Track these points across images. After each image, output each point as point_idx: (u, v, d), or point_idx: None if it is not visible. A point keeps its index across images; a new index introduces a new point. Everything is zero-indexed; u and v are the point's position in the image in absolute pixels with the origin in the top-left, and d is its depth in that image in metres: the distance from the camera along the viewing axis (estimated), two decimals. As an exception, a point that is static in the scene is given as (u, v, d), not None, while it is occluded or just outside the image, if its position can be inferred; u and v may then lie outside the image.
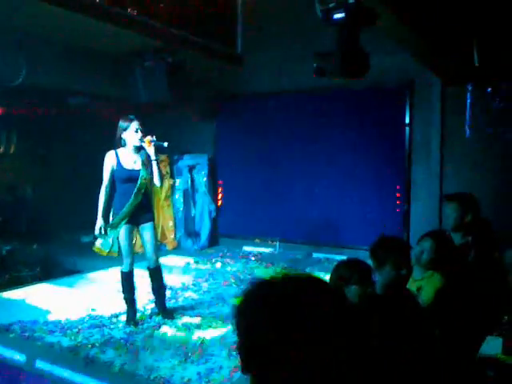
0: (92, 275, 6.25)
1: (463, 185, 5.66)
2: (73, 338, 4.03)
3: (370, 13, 2.79)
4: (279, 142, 7.55)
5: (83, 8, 4.93)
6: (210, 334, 4.13)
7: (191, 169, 8.06)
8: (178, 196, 8.06)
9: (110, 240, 4.28)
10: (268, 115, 7.68)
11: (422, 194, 6.52)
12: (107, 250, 4.33)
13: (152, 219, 4.50)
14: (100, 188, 4.38)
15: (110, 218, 4.33)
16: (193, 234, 8.07)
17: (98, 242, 4.34)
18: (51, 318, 4.53)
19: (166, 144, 4.36)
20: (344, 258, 6.72)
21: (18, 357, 3.75)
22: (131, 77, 6.85)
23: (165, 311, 4.55)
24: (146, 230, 4.41)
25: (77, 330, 4.21)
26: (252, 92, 7.67)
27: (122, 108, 7.89)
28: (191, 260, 6.99)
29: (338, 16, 2.76)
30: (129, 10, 5.63)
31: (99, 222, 4.27)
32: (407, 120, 6.57)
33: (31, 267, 7.14)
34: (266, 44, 6.97)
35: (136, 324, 4.31)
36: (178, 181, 8.01)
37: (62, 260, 7.53)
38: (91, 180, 8.52)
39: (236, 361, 3.58)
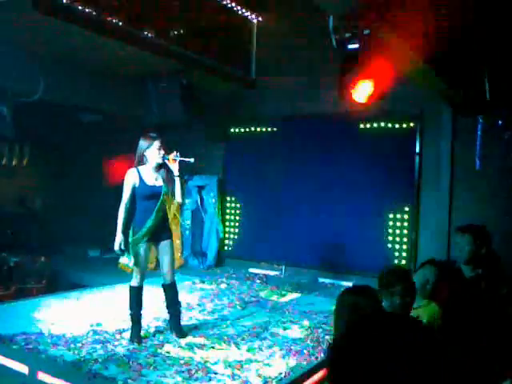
0: (98, 290, 6.26)
1: (472, 216, 5.64)
2: (76, 352, 4.03)
3: (384, 44, 2.86)
4: (288, 167, 7.61)
5: (100, 29, 5.08)
6: (213, 353, 4.12)
7: (200, 189, 8.15)
8: (187, 215, 8.12)
9: (131, 257, 4.30)
10: (278, 139, 7.77)
11: (431, 224, 6.51)
12: (131, 267, 4.34)
13: (170, 237, 4.55)
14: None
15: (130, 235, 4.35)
16: (199, 253, 8.10)
17: (124, 260, 4.33)
18: (55, 331, 4.53)
19: (192, 160, 4.39)
20: (349, 283, 6.75)
21: (21, 368, 3.75)
22: (145, 97, 6.98)
23: (178, 328, 4.52)
24: (165, 247, 4.46)
25: (80, 344, 4.21)
26: (263, 116, 7.78)
27: (135, 126, 8.05)
28: (197, 280, 7.00)
29: (352, 46, 2.84)
30: (145, 32, 5.78)
31: (119, 238, 4.28)
32: (417, 149, 6.60)
33: (38, 280, 7.19)
34: (280, 68, 7.09)
35: (140, 342, 4.30)
36: (187, 201, 8.08)
37: (68, 273, 7.56)
38: (101, 195, 8.67)
39: (240, 381, 3.57)
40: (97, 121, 8.19)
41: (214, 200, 8.08)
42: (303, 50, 6.41)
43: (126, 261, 4.31)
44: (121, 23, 5.11)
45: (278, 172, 7.70)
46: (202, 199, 8.15)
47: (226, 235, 8.26)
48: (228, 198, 8.33)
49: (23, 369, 3.75)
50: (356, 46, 2.81)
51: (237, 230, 8.23)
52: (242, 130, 8.18)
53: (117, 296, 5.93)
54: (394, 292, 2.82)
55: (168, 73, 6.64)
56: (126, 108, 7.32)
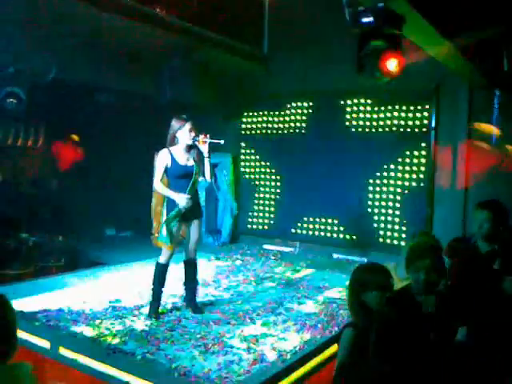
0: (115, 268, 6.37)
1: (488, 191, 5.59)
2: (95, 328, 4.12)
3: (398, 17, 2.80)
4: (302, 144, 7.58)
5: (112, 7, 5.05)
6: (229, 328, 4.19)
7: (214, 167, 8.15)
8: (201, 193, 8.15)
9: (164, 232, 4.37)
10: (292, 115, 7.72)
11: (446, 199, 6.46)
12: (168, 244, 4.40)
13: (200, 216, 4.68)
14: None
15: (165, 214, 4.42)
16: (214, 230, 8.17)
17: (164, 234, 4.36)
18: (75, 308, 4.64)
19: (222, 141, 4.49)
20: (364, 259, 6.77)
21: (43, 344, 3.87)
22: (158, 75, 6.95)
23: (194, 305, 4.64)
24: (195, 225, 4.57)
25: (99, 320, 4.31)
26: (276, 93, 7.72)
27: (148, 105, 8.06)
28: (212, 257, 7.07)
29: (366, 20, 2.79)
30: (157, 9, 5.73)
31: (177, 195, 4.33)
32: (433, 124, 6.52)
33: (57, 258, 7.33)
34: (293, 45, 6.99)
35: (158, 317, 4.40)
36: (201, 178, 8.09)
37: (86, 252, 7.69)
38: (117, 174, 8.72)
39: (255, 354, 3.64)
40: (111, 101, 8.19)
41: (227, 178, 8.10)
42: (316, 24, 6.31)
43: (164, 236, 4.34)
44: (131, 1, 5.07)
45: (292, 148, 7.68)
46: (215, 177, 8.18)
47: (241, 212, 8.29)
48: (242, 176, 8.34)
49: (45, 344, 3.86)
50: (370, 19, 2.76)
51: (251, 207, 8.26)
52: (257, 106, 8.11)
53: (134, 273, 6.05)
54: (418, 267, 2.73)
55: (181, 51, 6.58)
56: (138, 86, 7.30)
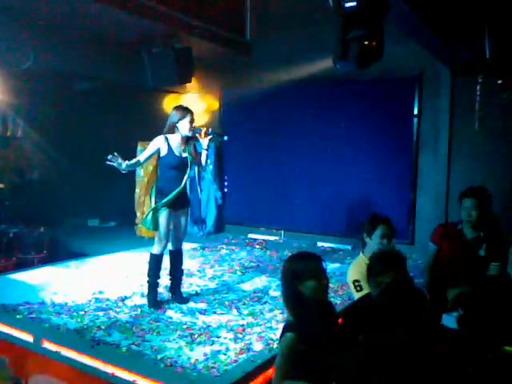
0: (98, 259, 6.30)
1: (471, 177, 5.64)
2: (79, 320, 4.06)
3: (382, 2, 2.77)
4: (286, 132, 7.55)
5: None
6: (215, 318, 4.17)
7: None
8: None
9: (150, 217, 4.33)
10: (275, 104, 7.67)
11: (429, 186, 6.51)
12: (151, 230, 4.40)
13: (188, 205, 4.71)
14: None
15: (153, 202, 4.39)
16: (199, 220, 8.13)
17: (148, 220, 4.32)
18: (58, 300, 4.57)
19: (226, 138, 4.59)
20: (348, 247, 6.79)
21: (26, 337, 3.80)
22: (139, 63, 6.85)
23: (180, 295, 4.62)
24: (182, 215, 4.56)
25: (83, 312, 4.25)
26: (259, 80, 7.65)
27: (129, 94, 7.94)
28: (197, 246, 7.04)
29: (349, 5, 2.75)
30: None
31: (125, 163, 4.16)
32: (416, 111, 6.54)
33: (38, 250, 7.23)
34: (275, 32, 6.93)
35: (158, 308, 4.36)
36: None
37: (68, 243, 7.59)
38: (98, 165, 8.59)
39: (242, 344, 3.63)
40: (91, 89, 8.06)
41: (211, 166, 8.04)
42: (300, 9, 6.26)
43: (149, 218, 4.31)
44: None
45: (277, 137, 7.63)
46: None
47: (225, 201, 8.26)
48: (226, 164, 8.29)
49: (28, 338, 3.80)
50: (353, 4, 2.72)
51: (235, 196, 8.22)
52: (239, 93, 8.03)
53: (117, 264, 5.99)
54: (380, 283, 2.51)
55: (161, 37, 6.49)
56: (119, 75, 7.18)
